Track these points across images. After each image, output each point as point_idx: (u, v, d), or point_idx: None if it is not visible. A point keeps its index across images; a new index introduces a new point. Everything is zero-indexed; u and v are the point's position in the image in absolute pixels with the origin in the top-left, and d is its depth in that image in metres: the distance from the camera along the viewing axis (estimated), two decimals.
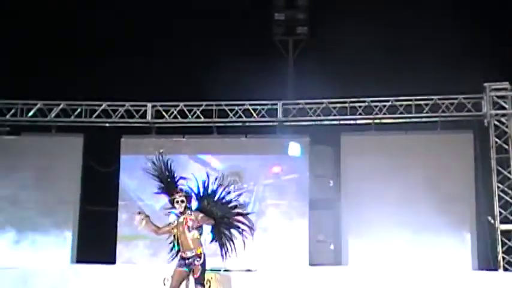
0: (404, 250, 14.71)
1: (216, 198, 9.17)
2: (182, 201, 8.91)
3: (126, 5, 16.77)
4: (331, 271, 14.12)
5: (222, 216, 9.15)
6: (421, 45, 16.37)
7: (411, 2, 16.30)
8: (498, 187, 14.79)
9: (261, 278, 14.03)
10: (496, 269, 14.40)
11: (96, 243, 15.46)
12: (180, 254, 8.88)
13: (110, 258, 15.31)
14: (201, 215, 8.87)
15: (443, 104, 15.41)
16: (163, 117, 16.15)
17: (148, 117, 16.11)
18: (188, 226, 8.80)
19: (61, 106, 16.08)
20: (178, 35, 16.76)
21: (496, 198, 14.74)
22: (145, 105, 16.12)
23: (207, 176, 9.25)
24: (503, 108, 15.04)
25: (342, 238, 15.34)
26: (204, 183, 9.20)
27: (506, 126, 14.99)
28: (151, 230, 8.92)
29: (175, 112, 16.10)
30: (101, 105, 16.08)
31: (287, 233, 15.37)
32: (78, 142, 16.08)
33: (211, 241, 9.19)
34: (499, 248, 14.54)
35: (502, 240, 14.56)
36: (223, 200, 9.20)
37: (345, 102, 15.68)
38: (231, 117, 15.98)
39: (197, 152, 16.08)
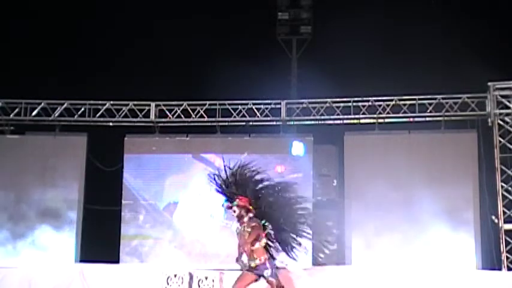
0: (408, 249, 14.69)
1: (267, 191, 8.56)
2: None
3: (129, 5, 16.78)
4: (335, 271, 14.08)
5: (285, 221, 8.66)
6: (425, 44, 16.36)
7: (415, 1, 16.28)
8: (502, 186, 14.74)
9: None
10: (500, 269, 14.38)
11: (100, 243, 15.50)
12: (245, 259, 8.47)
13: (113, 258, 15.33)
14: (253, 224, 8.32)
15: (447, 103, 15.39)
16: (166, 116, 16.16)
17: (152, 116, 16.12)
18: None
19: (65, 105, 16.10)
20: (181, 34, 16.76)
21: (499, 198, 14.69)
22: (149, 105, 16.13)
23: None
24: (507, 107, 15.00)
25: (345, 237, 15.33)
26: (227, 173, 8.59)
27: (510, 126, 14.95)
28: None
29: (178, 111, 16.11)
30: (104, 105, 16.10)
31: None
32: (81, 141, 16.10)
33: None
34: (503, 248, 14.51)
35: (505, 240, 14.54)
36: (281, 195, 8.65)
37: (348, 102, 15.67)
38: (235, 117, 15.98)
39: (201, 152, 16.11)
